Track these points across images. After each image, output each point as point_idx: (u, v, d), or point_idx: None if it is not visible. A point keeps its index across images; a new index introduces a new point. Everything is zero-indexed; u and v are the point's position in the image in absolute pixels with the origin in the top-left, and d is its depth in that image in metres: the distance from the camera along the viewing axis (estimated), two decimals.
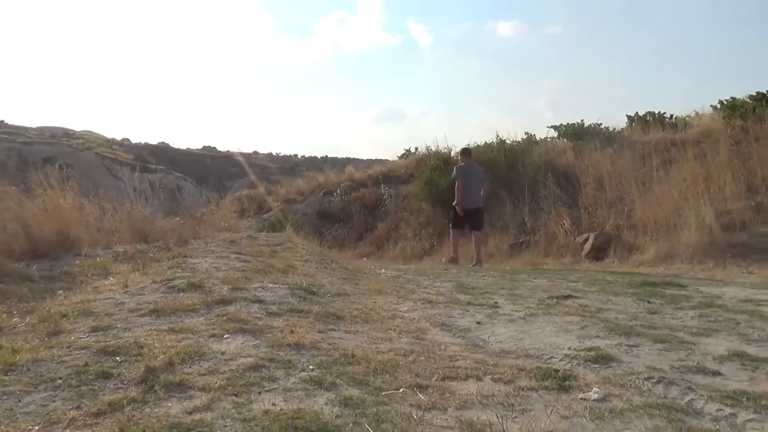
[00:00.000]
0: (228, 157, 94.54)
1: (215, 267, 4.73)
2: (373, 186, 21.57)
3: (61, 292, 4.16)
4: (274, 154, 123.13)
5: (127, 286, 4.07)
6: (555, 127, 16.79)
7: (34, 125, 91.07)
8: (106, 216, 7.42)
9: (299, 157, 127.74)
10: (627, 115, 17.31)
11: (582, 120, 15.82)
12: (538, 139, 18.93)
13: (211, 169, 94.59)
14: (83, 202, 7.29)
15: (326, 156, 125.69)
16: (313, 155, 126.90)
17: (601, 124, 15.80)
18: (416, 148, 27.22)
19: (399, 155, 25.96)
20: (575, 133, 15.58)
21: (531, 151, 14.80)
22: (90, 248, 5.90)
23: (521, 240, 11.20)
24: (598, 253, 9.27)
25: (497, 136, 19.03)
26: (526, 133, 19.46)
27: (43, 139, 77.95)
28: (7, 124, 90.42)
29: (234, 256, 5.47)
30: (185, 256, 5.50)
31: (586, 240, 9.69)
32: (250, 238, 7.10)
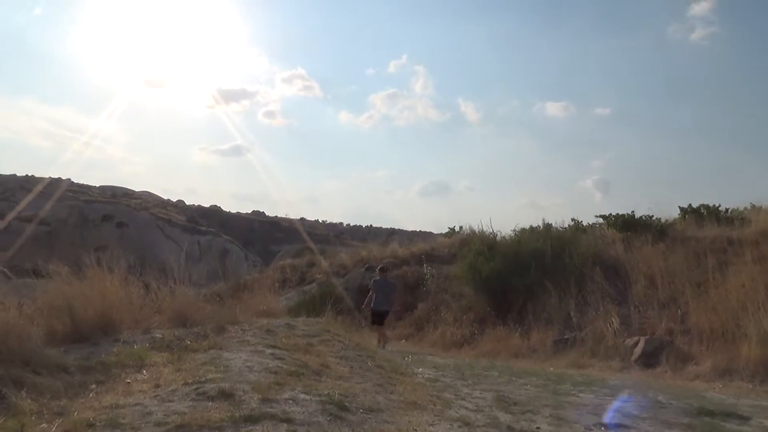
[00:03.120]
0: (275, 223, 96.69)
1: (248, 366, 4.64)
2: (416, 264, 21.42)
3: (93, 386, 4.13)
4: (320, 221, 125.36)
5: (158, 386, 4.02)
6: (604, 217, 16.45)
7: (97, 184, 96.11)
8: (150, 293, 7.53)
9: (345, 225, 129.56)
10: (680, 207, 16.85)
11: (633, 211, 15.45)
12: (585, 225, 18.64)
13: (258, 234, 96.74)
14: (129, 279, 7.43)
15: (371, 225, 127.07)
16: (358, 224, 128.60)
17: (652, 216, 15.38)
18: (461, 227, 27.20)
19: (443, 233, 25.93)
20: (625, 224, 15.19)
21: (578, 240, 14.47)
22: (130, 331, 5.93)
23: (566, 336, 10.75)
24: (650, 359, 8.76)
25: (543, 221, 18.89)
26: (573, 219, 19.22)
27: (104, 198, 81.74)
28: (72, 182, 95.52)
29: (269, 351, 5.38)
30: (221, 348, 5.45)
31: (637, 343, 9.21)
32: (288, 327, 7.03)
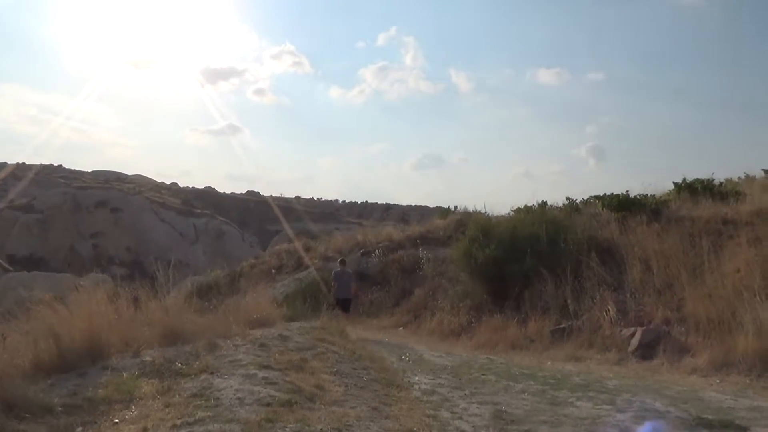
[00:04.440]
0: (269, 203, 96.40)
1: (239, 398, 4.55)
2: (411, 247, 21.35)
3: (80, 429, 4.05)
4: (315, 199, 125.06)
5: (146, 429, 3.92)
6: (599, 197, 16.35)
7: (89, 169, 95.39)
8: (139, 307, 7.42)
9: (340, 202, 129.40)
10: (674, 183, 16.73)
11: (627, 191, 15.33)
12: (579, 203, 18.55)
13: (253, 214, 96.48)
14: (118, 293, 7.31)
15: (366, 201, 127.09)
16: (354, 200, 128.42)
17: (647, 195, 15.27)
18: (455, 207, 27.12)
19: (438, 207, 25.81)
20: (620, 204, 15.08)
21: (574, 223, 14.35)
22: (119, 355, 5.85)
23: (563, 326, 10.72)
24: (646, 351, 8.74)
25: (538, 202, 18.82)
26: (567, 198, 19.14)
27: (97, 183, 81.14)
28: (64, 168, 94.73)
29: (261, 374, 5.30)
30: (212, 372, 5.36)
31: (633, 334, 9.18)
32: (281, 339, 6.94)
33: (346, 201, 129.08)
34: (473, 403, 5.65)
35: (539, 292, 12.33)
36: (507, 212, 20.47)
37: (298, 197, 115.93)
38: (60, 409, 4.34)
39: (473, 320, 13.09)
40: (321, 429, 4.07)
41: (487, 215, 20.65)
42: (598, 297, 11.02)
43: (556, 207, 18.51)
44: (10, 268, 44.79)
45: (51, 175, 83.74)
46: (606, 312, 10.42)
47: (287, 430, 3.98)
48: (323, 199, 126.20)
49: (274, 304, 12.92)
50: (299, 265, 25.36)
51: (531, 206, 19.51)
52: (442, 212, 26.64)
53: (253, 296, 19.35)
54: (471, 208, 23.77)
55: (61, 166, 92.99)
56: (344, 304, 13.21)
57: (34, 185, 75.46)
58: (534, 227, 13.97)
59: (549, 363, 8.91)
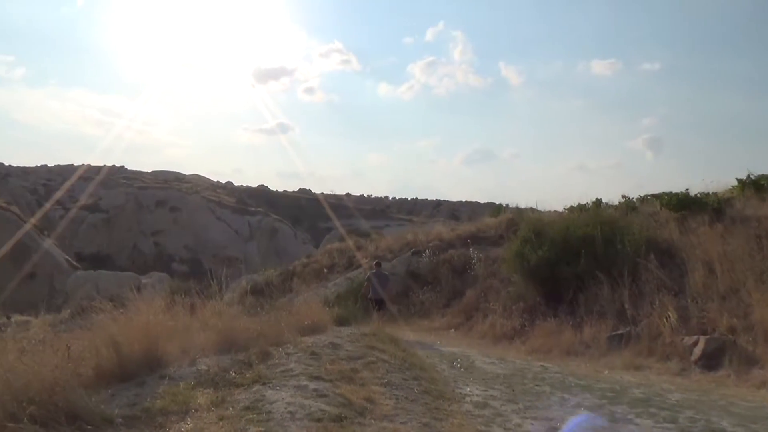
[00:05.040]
0: (320, 200, 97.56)
1: (290, 412, 4.59)
2: (462, 246, 21.15)
3: None
4: (365, 196, 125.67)
5: None
6: (656, 196, 15.74)
7: (149, 170, 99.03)
8: (195, 313, 7.62)
9: (390, 198, 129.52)
10: (737, 179, 15.89)
11: (687, 189, 14.68)
12: (635, 200, 17.91)
13: (305, 211, 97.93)
14: (174, 300, 7.52)
15: (416, 198, 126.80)
16: (403, 197, 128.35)
17: (708, 193, 14.58)
18: (506, 204, 26.73)
19: (489, 203, 25.48)
20: (680, 203, 14.46)
21: (630, 224, 13.85)
22: (176, 363, 6.00)
23: (620, 332, 10.36)
24: (711, 361, 8.34)
25: (591, 201, 18.28)
26: (623, 196, 18.51)
27: (157, 183, 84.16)
28: (126, 169, 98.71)
29: (312, 385, 5.33)
30: (264, 383, 5.44)
31: (696, 343, 8.77)
32: (332, 347, 6.98)
33: (396, 197, 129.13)
34: (527, 418, 5.52)
35: (595, 296, 11.97)
36: (560, 209, 20.05)
37: (348, 194, 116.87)
38: (120, 420, 4.47)
39: (526, 323, 12.85)
40: None
41: (540, 214, 20.24)
42: (657, 302, 10.60)
43: (611, 205, 17.94)
44: (78, 266, 47.04)
45: (114, 176, 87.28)
46: (666, 318, 10.01)
47: None
48: (373, 196, 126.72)
49: (325, 305, 13.14)
50: (350, 264, 25.55)
51: (585, 205, 19.00)
52: (494, 210, 26.33)
53: (305, 297, 19.68)
54: (522, 204, 23.44)
55: (123, 167, 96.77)
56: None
57: (100, 186, 78.89)
58: (588, 227, 13.57)
59: (606, 372, 8.63)
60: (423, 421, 4.90)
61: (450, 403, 5.79)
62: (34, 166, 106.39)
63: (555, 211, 21.29)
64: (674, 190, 15.19)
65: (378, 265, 14.94)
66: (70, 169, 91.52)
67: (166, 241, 72.14)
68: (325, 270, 25.65)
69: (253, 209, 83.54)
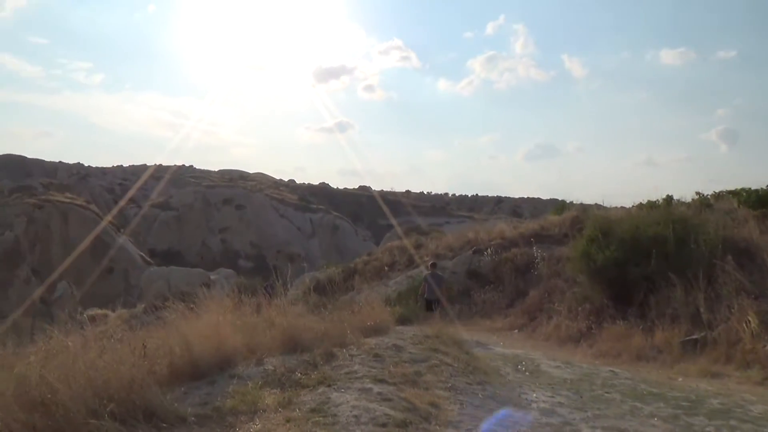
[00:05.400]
0: (381, 197, 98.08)
1: (355, 416, 4.62)
2: (525, 245, 20.72)
3: None
4: (425, 193, 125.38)
5: None
6: (734, 193, 14.92)
7: (216, 168, 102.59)
8: (261, 313, 7.80)
9: (450, 195, 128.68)
10: None
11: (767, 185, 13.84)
12: (710, 196, 17.07)
13: (365, 208, 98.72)
14: (241, 301, 7.72)
15: (477, 194, 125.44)
16: (464, 193, 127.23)
17: None
18: (571, 201, 26.02)
19: (552, 199, 24.84)
20: (759, 200, 13.66)
21: (705, 223, 13.17)
22: (245, 363, 6.15)
23: (695, 337, 9.88)
24: None
25: (662, 198, 17.54)
26: (697, 193, 17.67)
27: (223, 182, 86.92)
28: (195, 168, 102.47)
29: (377, 389, 5.35)
30: (329, 385, 5.50)
31: None
32: (395, 349, 6.99)
33: (456, 194, 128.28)
34: (597, 428, 5.33)
35: (666, 298, 11.45)
36: (627, 205, 19.37)
37: (408, 191, 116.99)
38: (193, 419, 4.63)
39: (593, 326, 12.44)
40: None
41: (606, 211, 19.58)
42: (736, 306, 10.02)
43: (684, 203, 17.16)
44: (152, 262, 49.22)
45: (184, 175, 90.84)
46: (746, 323, 9.44)
47: None
48: (433, 193, 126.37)
49: (386, 303, 13.20)
50: (411, 262, 25.53)
51: (655, 202, 18.26)
52: (557, 208, 25.66)
53: (367, 295, 19.82)
54: (587, 200, 22.83)
55: (192, 166, 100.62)
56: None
57: (170, 185, 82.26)
58: (660, 226, 12.98)
59: (680, 379, 8.24)
60: None
61: (516, 410, 5.68)
62: (110, 166, 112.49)
63: (622, 208, 20.57)
64: (752, 186, 14.40)
65: (433, 265, 15.33)
66: (143, 169, 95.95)
67: (233, 238, 74.42)
68: (386, 268, 25.76)
69: (314, 206, 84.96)
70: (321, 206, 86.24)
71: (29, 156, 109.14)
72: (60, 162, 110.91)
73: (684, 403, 6.39)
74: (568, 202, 26.16)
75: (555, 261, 18.04)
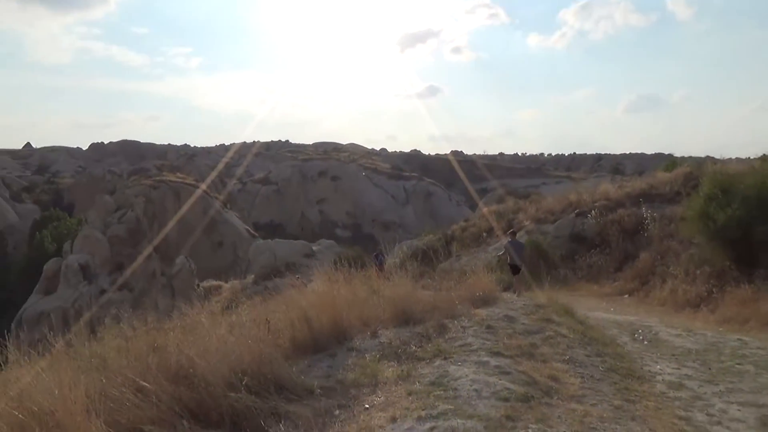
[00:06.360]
0: (473, 162, 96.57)
1: (476, 390, 4.64)
2: (632, 205, 19.66)
3: (337, 413, 4.48)
4: (519, 154, 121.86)
5: (395, 419, 4.21)
6: None
7: (310, 142, 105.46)
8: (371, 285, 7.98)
9: (545, 155, 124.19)
10: None
11: None
12: None
13: (458, 173, 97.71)
14: (352, 275, 7.92)
15: (574, 153, 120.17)
16: (560, 153, 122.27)
17: None
18: (679, 155, 24.27)
19: (663, 168, 23.31)
20: None
21: None
22: (360, 336, 6.33)
23: None
24: None
25: None
26: None
27: (318, 155, 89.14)
28: (290, 143, 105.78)
29: (494, 362, 5.34)
30: (445, 358, 5.55)
31: None
32: (507, 320, 6.92)
33: (552, 154, 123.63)
34: (732, 403, 5.03)
35: None
36: (743, 156, 17.77)
37: (501, 153, 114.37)
38: (319, 391, 4.85)
39: (714, 290, 11.67)
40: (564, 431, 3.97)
41: (723, 165, 18.08)
42: None
43: None
44: (257, 235, 51.70)
45: (281, 150, 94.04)
46: None
47: (530, 430, 3.95)
48: (527, 154, 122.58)
49: (488, 271, 13.09)
50: (510, 227, 25.03)
51: None
52: (668, 164, 24.05)
53: (466, 261, 19.73)
54: (696, 153, 21.21)
55: (287, 141, 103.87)
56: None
57: (269, 160, 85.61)
58: None
59: None
60: (615, 404, 4.69)
61: (640, 383, 5.47)
62: (214, 145, 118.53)
63: (737, 159, 18.90)
64: None
65: (513, 234, 15.57)
66: (244, 146, 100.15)
67: (330, 208, 76.48)
68: (484, 234, 25.43)
69: (407, 174, 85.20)
70: (414, 173, 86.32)
71: (142, 140, 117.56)
72: (169, 144, 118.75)
73: None
74: (676, 156, 24.45)
75: (667, 221, 17.02)
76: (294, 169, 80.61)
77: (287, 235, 53.76)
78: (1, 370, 4.76)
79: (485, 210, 29.90)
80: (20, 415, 3.80)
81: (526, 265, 14.96)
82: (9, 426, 3.80)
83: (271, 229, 64.76)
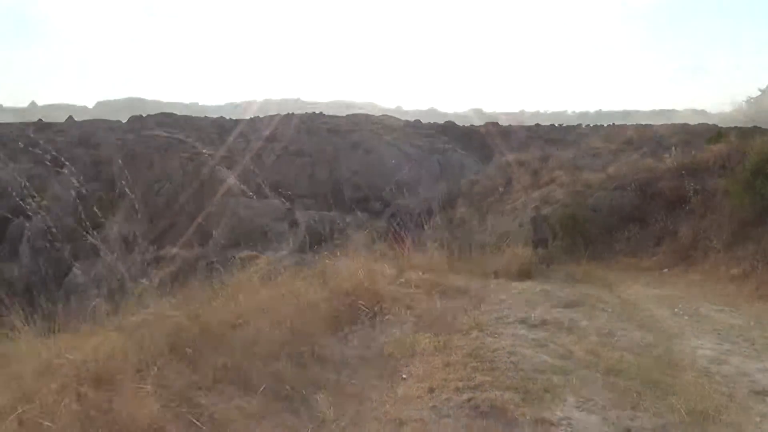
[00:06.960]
0: (493, 124, 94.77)
1: (513, 362, 4.66)
2: (674, 179, 19.12)
3: (376, 383, 4.56)
4: (541, 112, 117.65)
5: (432, 390, 4.26)
6: None
7: (324, 100, 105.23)
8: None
9: (570, 113, 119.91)
10: None
11: None
12: None
13: (477, 135, 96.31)
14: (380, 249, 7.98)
15: (600, 110, 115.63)
16: (584, 110, 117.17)
17: None
18: (728, 128, 23.48)
19: (708, 140, 22.48)
20: None
21: None
22: (396, 307, 6.37)
23: None
24: None
25: None
26: None
27: (348, 126, 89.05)
28: (302, 101, 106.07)
29: (531, 335, 5.34)
30: (482, 330, 5.58)
31: None
32: (544, 294, 6.89)
33: (576, 111, 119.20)
34: None
35: None
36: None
37: (522, 111, 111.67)
38: (357, 362, 4.93)
39: (759, 265, 11.34)
40: (602, 405, 3.96)
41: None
42: None
43: None
44: (290, 207, 52.30)
45: (315, 122, 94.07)
46: None
47: (568, 403, 3.96)
48: (550, 112, 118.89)
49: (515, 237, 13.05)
50: (536, 181, 23.77)
51: None
52: (711, 136, 23.24)
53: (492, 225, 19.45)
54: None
55: (299, 99, 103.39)
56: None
57: (303, 132, 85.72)
58: None
59: None
60: (654, 378, 4.64)
61: (681, 358, 5.39)
62: (223, 104, 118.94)
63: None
64: None
65: (536, 208, 16.56)
66: (262, 105, 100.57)
67: (361, 180, 76.57)
68: (500, 189, 24.08)
69: (440, 146, 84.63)
70: (448, 145, 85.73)
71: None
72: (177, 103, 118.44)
73: None
74: (721, 128, 23.58)
75: (710, 195, 16.55)
76: (327, 139, 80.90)
77: (320, 207, 54.24)
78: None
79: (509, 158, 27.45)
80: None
81: (552, 239, 15.24)
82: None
83: (300, 201, 65.40)
